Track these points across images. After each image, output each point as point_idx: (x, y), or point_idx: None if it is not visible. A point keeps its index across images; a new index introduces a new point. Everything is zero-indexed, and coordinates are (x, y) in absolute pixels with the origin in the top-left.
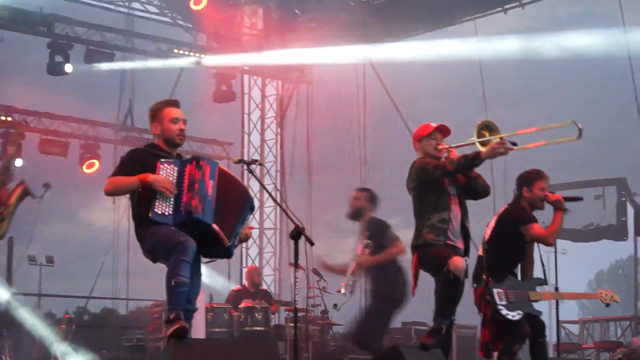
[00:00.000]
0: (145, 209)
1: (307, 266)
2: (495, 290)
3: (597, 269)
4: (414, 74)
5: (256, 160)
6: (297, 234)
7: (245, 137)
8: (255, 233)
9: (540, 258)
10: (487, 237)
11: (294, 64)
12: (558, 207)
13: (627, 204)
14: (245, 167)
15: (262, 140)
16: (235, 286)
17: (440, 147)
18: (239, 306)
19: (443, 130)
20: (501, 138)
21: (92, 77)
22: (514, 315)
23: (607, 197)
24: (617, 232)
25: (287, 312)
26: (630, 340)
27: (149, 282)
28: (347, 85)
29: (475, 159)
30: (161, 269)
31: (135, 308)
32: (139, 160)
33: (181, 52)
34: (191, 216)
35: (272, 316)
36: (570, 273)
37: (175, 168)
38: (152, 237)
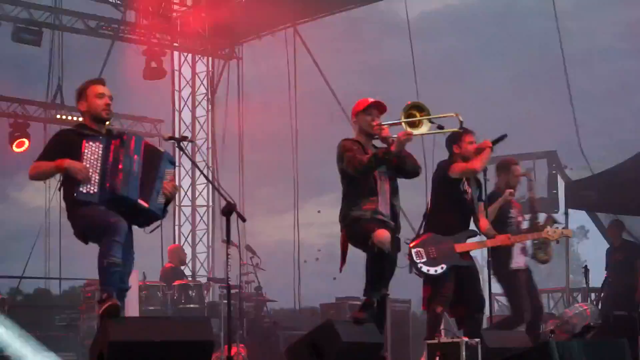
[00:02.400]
0: (72, 190)
1: (239, 243)
2: (414, 250)
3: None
4: (344, 48)
5: (187, 137)
6: (228, 210)
7: (176, 114)
8: (187, 211)
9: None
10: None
11: (224, 40)
12: (486, 146)
13: (557, 177)
14: (176, 144)
15: (193, 117)
16: (167, 264)
17: (374, 123)
18: (173, 284)
19: (379, 107)
20: (429, 120)
21: (20, 56)
22: (436, 270)
23: (538, 170)
24: (548, 205)
25: (221, 289)
26: (562, 311)
27: (82, 262)
28: (278, 61)
29: (386, 154)
30: (94, 248)
31: (68, 288)
32: (64, 143)
33: (110, 29)
34: (116, 194)
35: (206, 293)
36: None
37: (101, 146)
38: (83, 219)
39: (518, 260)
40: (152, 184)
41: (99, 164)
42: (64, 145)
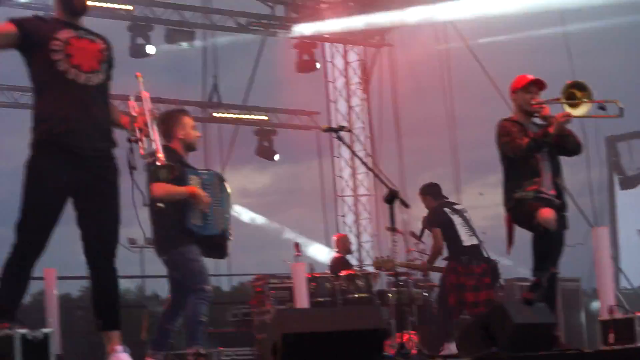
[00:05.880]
0: (178, 216)
1: (404, 229)
2: None
3: None
4: (497, 29)
5: (344, 127)
6: (391, 197)
7: (332, 105)
8: (350, 200)
9: None
10: None
11: (374, 28)
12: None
13: None
14: (334, 134)
15: (349, 107)
16: (335, 254)
17: (534, 101)
18: (340, 274)
19: (539, 84)
20: (592, 101)
21: (174, 57)
22: None
23: None
24: None
25: (388, 277)
26: None
27: (249, 258)
28: (430, 45)
29: (546, 136)
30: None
31: (238, 284)
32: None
33: (260, 24)
34: (225, 235)
35: (374, 282)
36: None
37: (199, 181)
38: (181, 257)
39: None
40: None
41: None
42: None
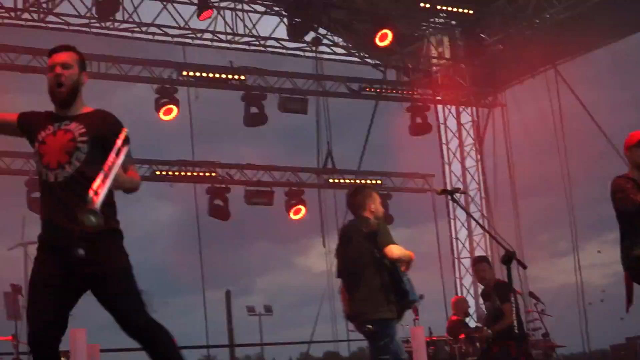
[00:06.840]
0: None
1: (522, 290)
2: None
3: None
4: (609, 84)
5: (459, 189)
6: (508, 258)
7: (446, 167)
8: (467, 262)
9: None
10: None
11: (486, 89)
12: None
13: None
14: (449, 197)
15: (463, 168)
16: (452, 316)
17: None
18: (459, 337)
19: None
20: None
21: (288, 124)
22: None
23: None
24: None
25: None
26: None
27: None
28: (542, 104)
29: None
30: None
31: (357, 349)
32: None
33: (372, 89)
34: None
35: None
36: None
37: None
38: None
39: None
40: None
41: None
42: None
